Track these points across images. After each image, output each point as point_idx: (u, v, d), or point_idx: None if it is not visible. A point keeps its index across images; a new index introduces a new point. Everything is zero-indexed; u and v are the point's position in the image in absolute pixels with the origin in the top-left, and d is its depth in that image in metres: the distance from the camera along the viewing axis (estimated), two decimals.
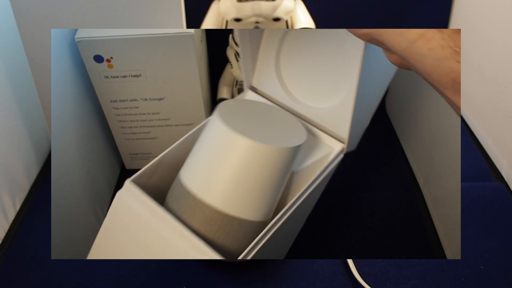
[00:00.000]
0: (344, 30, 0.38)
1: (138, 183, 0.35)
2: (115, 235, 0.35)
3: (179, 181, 0.35)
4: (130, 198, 0.34)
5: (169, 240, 0.32)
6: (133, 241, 0.33)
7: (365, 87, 0.36)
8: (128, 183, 0.35)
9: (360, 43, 0.33)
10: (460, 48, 0.25)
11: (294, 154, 0.33)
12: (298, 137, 0.35)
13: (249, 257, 0.32)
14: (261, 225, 0.34)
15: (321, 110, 0.41)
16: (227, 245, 0.34)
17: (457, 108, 0.26)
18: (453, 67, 0.24)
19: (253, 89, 0.46)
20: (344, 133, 0.39)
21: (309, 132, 0.40)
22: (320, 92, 0.41)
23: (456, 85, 0.25)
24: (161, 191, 0.38)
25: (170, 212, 0.33)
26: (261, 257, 0.34)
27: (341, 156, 0.39)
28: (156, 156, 0.37)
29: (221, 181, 0.32)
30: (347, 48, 0.38)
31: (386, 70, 0.39)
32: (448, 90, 0.25)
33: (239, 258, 0.32)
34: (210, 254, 0.31)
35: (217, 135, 0.32)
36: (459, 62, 0.24)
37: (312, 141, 0.40)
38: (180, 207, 0.34)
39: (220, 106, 0.35)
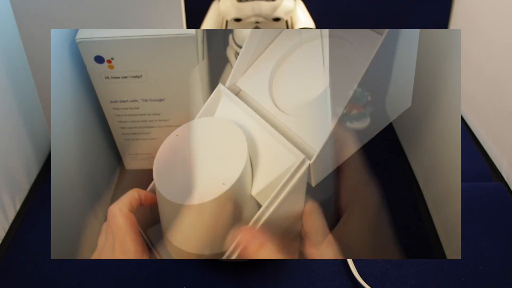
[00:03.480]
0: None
1: None
2: None
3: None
4: None
5: None
6: None
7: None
8: None
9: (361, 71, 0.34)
10: None
11: (231, 193, 0.34)
12: (234, 170, 0.35)
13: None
14: None
15: (297, 119, 0.39)
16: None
17: None
18: None
19: (234, 88, 0.44)
20: (317, 144, 0.37)
21: (275, 141, 0.38)
22: (304, 102, 0.40)
23: None
24: None
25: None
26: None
27: (304, 167, 0.36)
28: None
29: (192, 236, 0.35)
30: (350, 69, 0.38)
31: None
32: None
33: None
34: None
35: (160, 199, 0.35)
36: None
37: (274, 154, 0.38)
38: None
39: (157, 159, 0.36)
